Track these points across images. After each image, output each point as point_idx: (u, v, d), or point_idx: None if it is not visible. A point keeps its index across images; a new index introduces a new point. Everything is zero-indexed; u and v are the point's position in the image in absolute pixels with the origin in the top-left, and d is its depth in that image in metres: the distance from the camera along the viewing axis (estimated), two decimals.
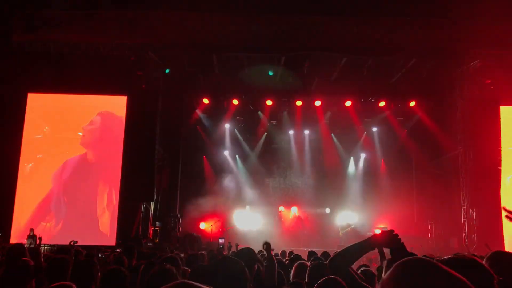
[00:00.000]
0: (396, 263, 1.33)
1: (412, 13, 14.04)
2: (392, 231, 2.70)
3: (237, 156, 19.93)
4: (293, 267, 4.42)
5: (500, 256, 2.52)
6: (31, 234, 13.78)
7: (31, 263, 3.81)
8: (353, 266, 2.82)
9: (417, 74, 17.43)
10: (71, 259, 5.79)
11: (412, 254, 2.27)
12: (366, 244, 2.72)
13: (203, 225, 18.58)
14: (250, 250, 3.60)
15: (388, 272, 1.31)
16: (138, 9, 15.06)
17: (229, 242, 13.11)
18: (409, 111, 18.57)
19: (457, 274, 1.27)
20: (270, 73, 17.45)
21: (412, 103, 18.28)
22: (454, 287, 1.23)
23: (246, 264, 2.31)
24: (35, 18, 15.29)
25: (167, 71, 17.26)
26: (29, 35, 15.68)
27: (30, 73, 15.90)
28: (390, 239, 2.65)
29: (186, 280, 1.14)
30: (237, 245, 10.77)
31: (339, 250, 2.83)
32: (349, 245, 2.80)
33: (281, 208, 19.80)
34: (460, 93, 17.33)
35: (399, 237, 2.67)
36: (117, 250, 11.42)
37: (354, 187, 19.50)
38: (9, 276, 3.53)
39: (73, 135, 16.49)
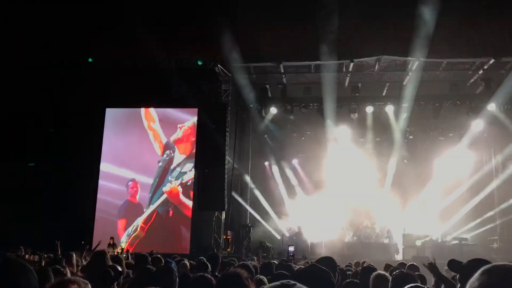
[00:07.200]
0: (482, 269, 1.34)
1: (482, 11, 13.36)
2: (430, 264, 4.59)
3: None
4: (371, 279, 4.24)
5: None
6: (112, 243, 14.44)
7: (116, 268, 4.00)
8: None
9: (493, 75, 16.50)
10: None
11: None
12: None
13: (274, 234, 18.53)
14: (330, 260, 3.56)
15: (475, 276, 1.33)
16: (206, 24, 15.44)
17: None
18: (488, 114, 17.41)
19: None
20: None
21: (491, 106, 17.13)
22: None
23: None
24: (110, 36, 16.18)
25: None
26: (104, 53, 16.65)
27: (107, 88, 16.74)
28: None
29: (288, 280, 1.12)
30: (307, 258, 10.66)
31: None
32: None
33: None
34: None
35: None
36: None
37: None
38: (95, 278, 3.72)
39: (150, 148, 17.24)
